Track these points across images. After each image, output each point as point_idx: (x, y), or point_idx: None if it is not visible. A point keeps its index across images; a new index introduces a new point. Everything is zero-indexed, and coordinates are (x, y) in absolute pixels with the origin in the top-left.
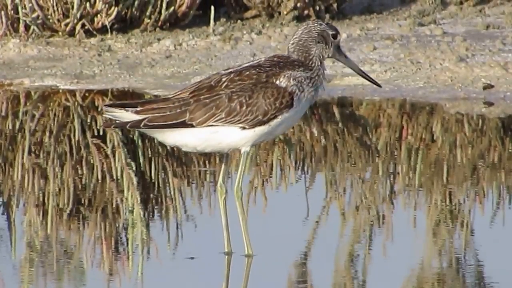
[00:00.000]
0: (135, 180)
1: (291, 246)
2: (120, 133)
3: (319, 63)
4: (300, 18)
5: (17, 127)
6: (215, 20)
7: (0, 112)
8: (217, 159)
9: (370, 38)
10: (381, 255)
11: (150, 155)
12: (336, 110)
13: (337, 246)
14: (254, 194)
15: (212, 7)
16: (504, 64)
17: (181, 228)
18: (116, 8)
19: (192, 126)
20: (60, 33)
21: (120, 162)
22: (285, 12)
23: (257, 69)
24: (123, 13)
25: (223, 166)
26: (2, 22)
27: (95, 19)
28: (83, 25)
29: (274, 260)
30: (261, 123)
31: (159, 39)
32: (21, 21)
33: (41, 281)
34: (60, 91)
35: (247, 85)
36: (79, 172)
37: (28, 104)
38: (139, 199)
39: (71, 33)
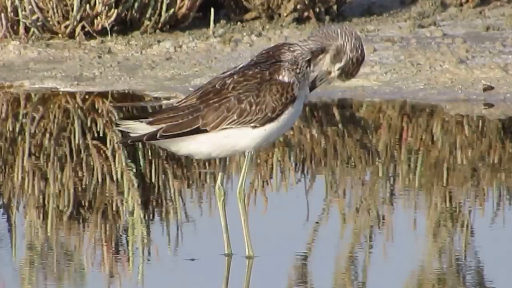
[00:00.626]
0: (135, 182)
1: (291, 247)
2: (120, 134)
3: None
4: (300, 20)
5: (17, 129)
6: (215, 22)
7: (0, 114)
8: (217, 161)
9: (370, 40)
10: (381, 256)
11: (150, 157)
12: (336, 112)
13: (337, 248)
14: (254, 195)
15: (212, 9)
16: (504, 66)
17: (182, 230)
18: (116, 10)
19: (206, 131)
20: (60, 35)
21: (120, 164)
22: (285, 14)
23: (258, 67)
24: (123, 15)
25: (222, 168)
26: (2, 24)
27: (95, 21)
28: (83, 27)
29: (274, 262)
30: (271, 119)
31: (159, 41)
32: (21, 23)
33: (42, 283)
34: (60, 93)
35: (253, 85)
36: (79, 174)
37: (28, 106)
38: (139, 201)
39: (71, 35)
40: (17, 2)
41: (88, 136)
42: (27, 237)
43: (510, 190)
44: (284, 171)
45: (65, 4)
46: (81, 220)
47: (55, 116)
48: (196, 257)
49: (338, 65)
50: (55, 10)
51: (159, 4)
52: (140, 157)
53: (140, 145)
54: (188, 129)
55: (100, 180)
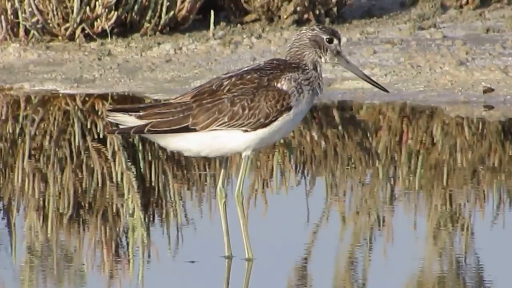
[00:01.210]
0: (135, 184)
1: (291, 250)
2: (120, 136)
3: (312, 68)
4: (300, 22)
5: (17, 131)
6: (215, 24)
7: (0, 116)
8: (217, 162)
9: (370, 42)
10: (382, 258)
11: (150, 159)
12: (336, 114)
13: (337, 250)
14: (254, 198)
15: (212, 11)
16: (504, 68)
17: (182, 232)
18: (116, 13)
19: (195, 130)
20: (60, 37)
21: (120, 166)
22: (285, 16)
23: (258, 73)
24: (123, 17)
25: (222, 170)
26: (2, 26)
27: (95, 24)
28: (83, 30)
29: (274, 264)
30: (263, 125)
31: (159, 43)
32: (21, 25)
33: (42, 285)
34: (60, 95)
35: (249, 89)
36: (79, 176)
37: (28, 108)
38: (139, 203)
39: (71, 38)
40: (17, 5)
41: (88, 138)
42: (27, 239)
43: (510, 192)
44: (284, 173)
45: (65, 7)
46: (81, 222)
47: (55, 118)
48: (196, 259)
49: (325, 37)
50: (55, 13)
51: (159, 7)
52: (140, 159)
53: (140, 147)
54: (177, 127)
55: (100, 182)
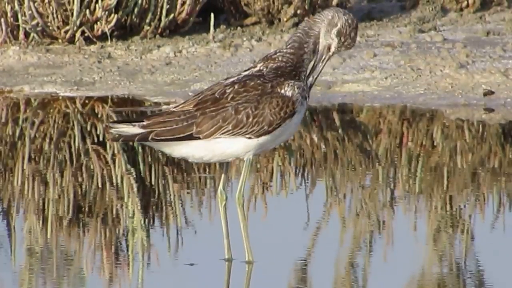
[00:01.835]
0: (135, 186)
1: (291, 252)
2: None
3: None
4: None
5: (17, 134)
6: (215, 27)
7: (0, 119)
8: (217, 165)
9: (370, 45)
10: (382, 261)
11: (150, 162)
12: (336, 117)
13: (337, 253)
14: (254, 200)
15: (212, 14)
16: (504, 71)
17: (182, 235)
18: (116, 15)
19: (199, 139)
20: (60, 40)
21: (120, 168)
22: (285, 19)
23: (261, 79)
24: (123, 20)
25: (223, 172)
26: (1, 29)
27: (95, 26)
28: (83, 32)
29: (274, 267)
30: (267, 132)
31: (159, 46)
32: (20, 28)
33: None
34: (60, 98)
35: (253, 96)
36: (79, 179)
37: (28, 111)
38: (139, 205)
39: (71, 40)
40: (17, 7)
41: (88, 141)
42: (27, 242)
43: (510, 195)
44: (284, 176)
45: (65, 9)
46: (81, 225)
47: (55, 121)
48: (196, 262)
49: (334, 30)
50: (55, 15)
51: (159, 9)
52: (140, 161)
53: (140, 150)
54: (181, 135)
55: (100, 185)
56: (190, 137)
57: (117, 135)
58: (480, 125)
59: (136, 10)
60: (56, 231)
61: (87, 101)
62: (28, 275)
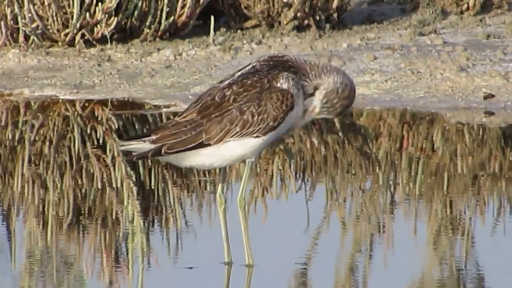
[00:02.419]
0: (135, 190)
1: (291, 256)
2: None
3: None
4: (300, 28)
5: (16, 137)
6: (215, 30)
7: (0, 122)
8: (217, 169)
9: (371, 48)
10: (382, 265)
11: (150, 165)
12: (336, 120)
13: (337, 256)
14: (254, 204)
15: (212, 17)
16: (505, 74)
17: (181, 238)
18: (115, 18)
19: (209, 145)
20: (59, 43)
21: (120, 172)
22: (285, 22)
23: (257, 76)
24: (122, 23)
25: (222, 176)
26: (1, 32)
27: (95, 29)
28: (82, 35)
29: (274, 270)
30: (272, 128)
31: (159, 49)
32: (20, 31)
33: None
34: (60, 101)
35: (253, 94)
36: (79, 182)
37: (27, 114)
38: (139, 209)
39: (71, 43)
40: (16, 10)
41: (88, 144)
42: (27, 245)
43: (510, 198)
44: (284, 179)
45: (65, 12)
46: (80, 228)
47: (54, 124)
48: (196, 265)
49: (323, 91)
50: (55, 18)
51: (159, 12)
52: (140, 165)
53: None
54: (193, 145)
55: (99, 188)
56: (201, 145)
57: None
58: (481, 129)
59: (136, 13)
60: (56, 235)
61: (87, 104)
62: (28, 278)
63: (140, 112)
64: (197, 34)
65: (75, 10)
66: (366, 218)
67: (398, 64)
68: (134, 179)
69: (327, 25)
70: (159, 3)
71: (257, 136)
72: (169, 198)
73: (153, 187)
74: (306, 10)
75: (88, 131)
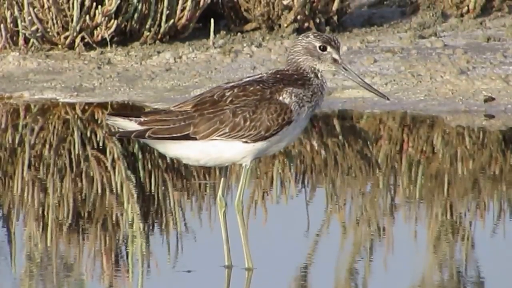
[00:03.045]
0: (135, 193)
1: (291, 259)
2: (120, 145)
3: (313, 75)
4: (300, 31)
5: (16, 140)
6: (215, 33)
7: (0, 125)
8: (217, 172)
9: (371, 51)
10: (382, 268)
11: (150, 168)
12: (336, 123)
13: (337, 259)
14: (254, 207)
15: (212, 20)
16: (505, 77)
17: (181, 241)
18: (115, 21)
19: (195, 139)
20: (59, 46)
21: (120, 175)
22: (285, 25)
23: (261, 85)
24: (122, 26)
25: (222, 179)
26: (1, 35)
27: (95, 32)
28: (82, 38)
29: (274, 273)
30: (263, 138)
31: (159, 52)
32: (20, 34)
33: None
34: (60, 104)
35: (252, 101)
36: (79, 185)
37: (27, 117)
38: (139, 212)
39: (71, 46)
40: (16, 13)
41: (88, 147)
42: (27, 248)
43: (511, 201)
44: (284, 183)
45: (65, 15)
46: (80, 231)
47: (54, 127)
48: (196, 268)
49: (317, 44)
50: (54, 21)
51: (158, 15)
52: (140, 168)
53: (140, 156)
54: (178, 135)
55: (99, 191)
56: (186, 137)
57: (114, 131)
58: (481, 132)
59: (136, 16)
60: (56, 238)
61: (86, 107)
62: (28, 281)
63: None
64: (197, 37)
65: (75, 13)
66: (366, 221)
67: (398, 67)
68: (134, 182)
69: (327, 28)
70: (159, 6)
71: (246, 142)
72: (169, 201)
73: (153, 191)
74: (306, 12)
75: (88, 134)
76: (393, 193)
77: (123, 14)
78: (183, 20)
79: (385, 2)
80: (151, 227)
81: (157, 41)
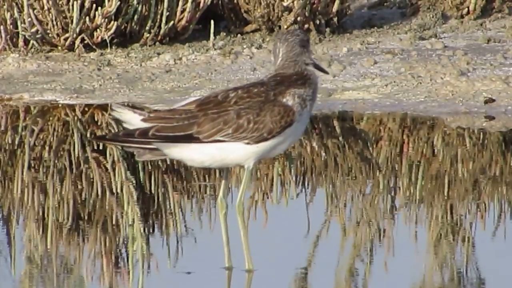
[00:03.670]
0: (135, 194)
1: (291, 261)
2: (120, 146)
3: (310, 72)
4: None
5: (16, 142)
6: (215, 34)
7: None
8: (217, 173)
9: (371, 52)
10: (382, 270)
11: (150, 170)
12: (336, 124)
13: (337, 261)
14: (254, 208)
15: (212, 21)
16: (505, 78)
17: (181, 243)
18: (115, 23)
19: (198, 139)
20: (59, 47)
21: (120, 176)
22: (285, 26)
23: (264, 87)
24: (122, 27)
25: (223, 180)
26: (1, 36)
27: (95, 34)
28: (82, 40)
29: (274, 275)
30: (265, 139)
31: (158, 54)
32: (20, 35)
33: None
34: (60, 105)
35: (256, 103)
36: (79, 187)
37: (27, 119)
38: (139, 213)
39: (71, 48)
40: (16, 15)
41: (88, 149)
42: (27, 250)
43: (511, 202)
44: (285, 184)
45: (65, 17)
46: (80, 233)
47: (54, 128)
48: (196, 270)
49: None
50: (54, 23)
51: (158, 16)
52: (140, 169)
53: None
54: (181, 133)
55: (99, 192)
56: (190, 136)
57: (116, 132)
58: (481, 133)
59: (136, 17)
60: (56, 239)
61: (86, 109)
62: (28, 283)
63: None
64: (197, 39)
65: (75, 14)
66: (367, 223)
67: (399, 69)
68: (134, 184)
69: (327, 29)
70: (159, 7)
71: (248, 143)
72: (170, 203)
73: (153, 192)
74: (306, 14)
75: (88, 135)
76: (393, 194)
77: (123, 15)
78: (183, 22)
79: (385, 4)
80: (151, 229)
81: (157, 43)
